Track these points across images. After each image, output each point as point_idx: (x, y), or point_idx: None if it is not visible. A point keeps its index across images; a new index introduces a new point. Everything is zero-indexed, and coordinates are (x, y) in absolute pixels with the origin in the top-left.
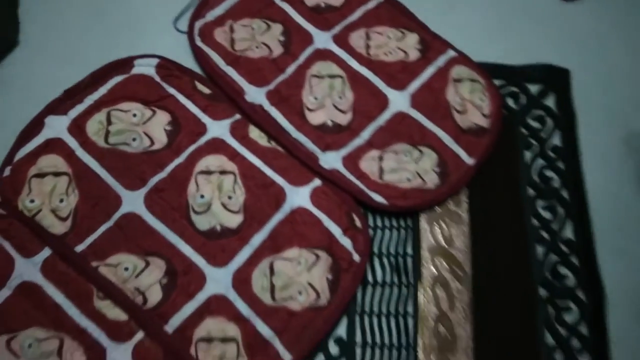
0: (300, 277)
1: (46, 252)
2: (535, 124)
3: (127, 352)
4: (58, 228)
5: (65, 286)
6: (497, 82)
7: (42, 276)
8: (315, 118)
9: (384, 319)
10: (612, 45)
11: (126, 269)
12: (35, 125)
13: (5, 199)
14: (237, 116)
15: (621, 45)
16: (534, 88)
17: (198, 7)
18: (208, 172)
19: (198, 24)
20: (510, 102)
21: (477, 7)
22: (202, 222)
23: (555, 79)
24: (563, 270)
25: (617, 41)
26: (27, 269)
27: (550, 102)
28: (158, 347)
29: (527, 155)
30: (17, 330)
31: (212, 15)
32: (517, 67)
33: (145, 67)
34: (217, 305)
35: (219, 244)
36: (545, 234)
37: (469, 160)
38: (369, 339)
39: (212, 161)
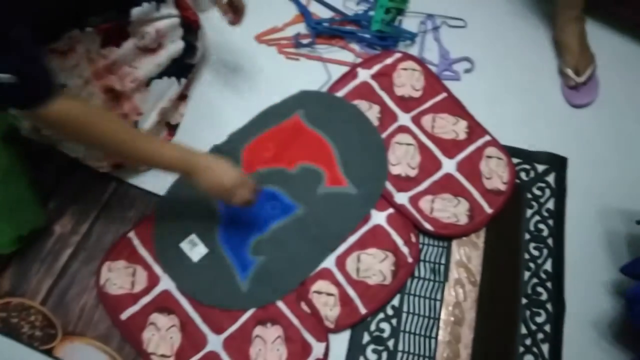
0: (375, 266)
1: None
2: (537, 192)
3: None
4: None
5: None
6: (515, 160)
7: None
8: (395, 170)
9: (421, 300)
10: (601, 142)
11: None
12: None
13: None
14: None
15: (608, 143)
16: (540, 167)
17: (328, 90)
18: None
19: None
20: (523, 174)
21: (509, 105)
22: None
23: (556, 163)
24: (539, 289)
25: (606, 139)
26: None
27: (550, 178)
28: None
29: (529, 212)
30: None
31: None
32: (531, 151)
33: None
34: (325, 274)
35: None
36: (532, 265)
37: (489, 210)
38: (411, 309)
39: None
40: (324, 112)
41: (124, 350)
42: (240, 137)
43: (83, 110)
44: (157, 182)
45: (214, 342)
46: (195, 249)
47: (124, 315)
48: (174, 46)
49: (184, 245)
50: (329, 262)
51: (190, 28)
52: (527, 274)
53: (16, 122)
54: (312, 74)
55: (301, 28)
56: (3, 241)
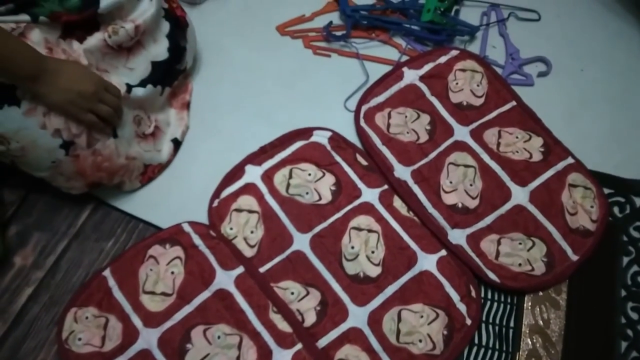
0: (421, 328)
1: (240, 269)
2: (635, 234)
3: (288, 357)
4: (247, 252)
5: (250, 297)
6: (606, 190)
7: (235, 287)
8: (449, 199)
9: None
10: None
11: (292, 293)
12: (238, 170)
13: (212, 223)
14: (386, 187)
15: None
16: (639, 201)
17: (365, 93)
18: (359, 229)
19: (363, 108)
20: (616, 209)
21: (597, 120)
22: (350, 268)
23: None
24: None
25: None
26: (224, 279)
27: None
28: (311, 358)
29: (625, 260)
30: (211, 323)
31: (375, 101)
32: (627, 180)
33: (321, 137)
34: (355, 336)
35: (360, 288)
36: (630, 332)
37: (573, 257)
38: None
39: (363, 220)
40: None
41: None
42: None
43: None
44: (145, 205)
45: None
46: None
47: None
48: (157, 47)
49: None
50: (360, 320)
51: (178, 24)
52: (623, 345)
53: None
54: (346, 74)
55: (334, 17)
56: None
